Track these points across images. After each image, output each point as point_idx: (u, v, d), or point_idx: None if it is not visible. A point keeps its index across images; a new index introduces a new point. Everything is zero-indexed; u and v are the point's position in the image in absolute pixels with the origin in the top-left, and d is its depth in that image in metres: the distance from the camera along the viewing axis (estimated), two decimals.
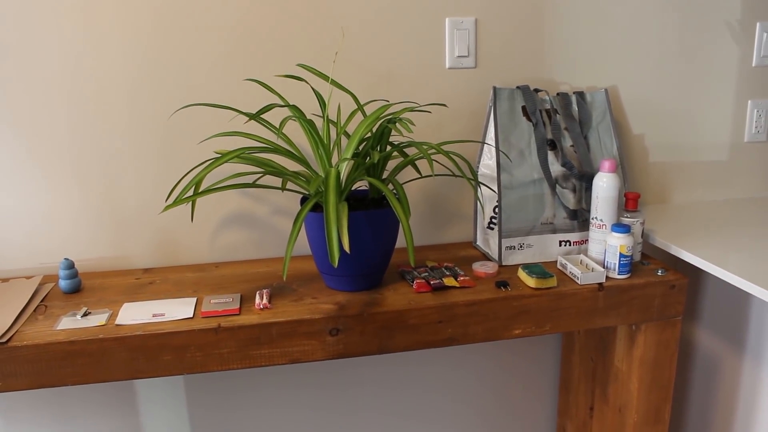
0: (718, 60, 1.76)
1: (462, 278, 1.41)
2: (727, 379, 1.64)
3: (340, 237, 1.15)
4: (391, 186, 1.36)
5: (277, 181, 1.55)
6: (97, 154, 1.48)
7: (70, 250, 1.52)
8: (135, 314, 1.27)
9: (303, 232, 1.61)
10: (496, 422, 1.91)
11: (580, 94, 1.59)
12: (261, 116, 1.32)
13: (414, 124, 1.32)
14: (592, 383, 1.70)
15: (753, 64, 1.79)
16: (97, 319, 1.25)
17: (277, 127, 1.39)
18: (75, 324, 1.23)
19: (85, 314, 1.27)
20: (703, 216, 1.71)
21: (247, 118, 1.33)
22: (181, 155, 1.52)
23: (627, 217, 1.46)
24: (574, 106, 1.58)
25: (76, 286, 1.40)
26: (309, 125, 1.31)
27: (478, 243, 1.65)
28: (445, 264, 1.51)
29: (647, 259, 1.53)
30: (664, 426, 1.54)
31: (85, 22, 1.40)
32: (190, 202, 1.41)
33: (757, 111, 1.82)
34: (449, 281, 1.40)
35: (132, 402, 1.65)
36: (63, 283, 1.39)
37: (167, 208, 1.18)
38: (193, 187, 1.26)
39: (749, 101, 1.81)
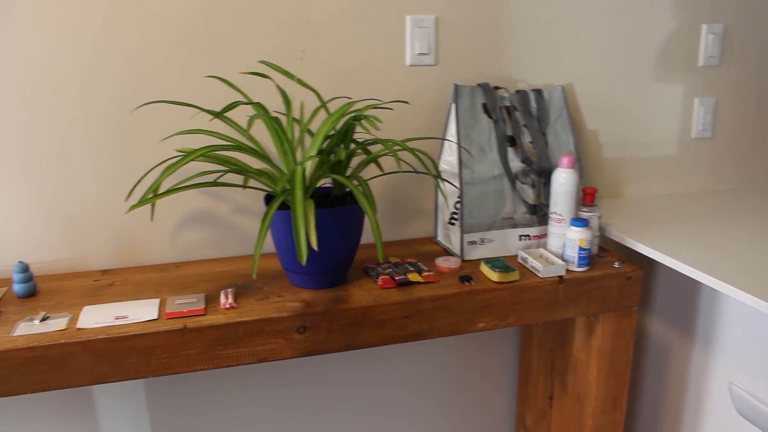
0: (667, 60, 1.82)
1: (426, 273, 1.43)
2: (678, 365, 1.70)
3: (307, 234, 1.14)
4: (356, 182, 1.36)
5: (238, 179, 1.53)
6: (50, 153, 1.43)
7: (22, 252, 1.47)
8: (97, 317, 1.24)
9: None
10: (457, 414, 1.94)
11: (538, 92, 1.62)
12: (224, 114, 1.30)
13: (381, 122, 1.33)
14: (551, 373, 1.75)
15: (699, 64, 1.86)
16: (57, 323, 1.22)
17: (239, 124, 1.38)
18: (33, 329, 1.20)
19: (43, 319, 1.23)
20: (655, 209, 1.77)
21: (211, 116, 1.31)
22: (139, 153, 1.48)
23: (585, 211, 1.50)
24: (533, 104, 1.61)
25: (32, 290, 1.36)
26: (274, 122, 1.30)
27: (439, 238, 1.67)
28: (408, 260, 1.52)
29: (604, 251, 1.57)
30: (621, 413, 1.59)
31: (37, 12, 1.35)
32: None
33: (704, 109, 1.89)
34: (414, 277, 1.41)
35: (90, 410, 1.61)
36: (17, 287, 1.34)
37: (132, 208, 1.15)
38: (157, 186, 1.24)
39: (696, 99, 1.88)
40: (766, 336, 1.43)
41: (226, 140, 1.34)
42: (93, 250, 1.51)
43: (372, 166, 1.62)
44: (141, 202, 1.16)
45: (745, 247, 1.47)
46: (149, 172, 1.37)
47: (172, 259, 1.57)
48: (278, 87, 1.38)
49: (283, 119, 1.49)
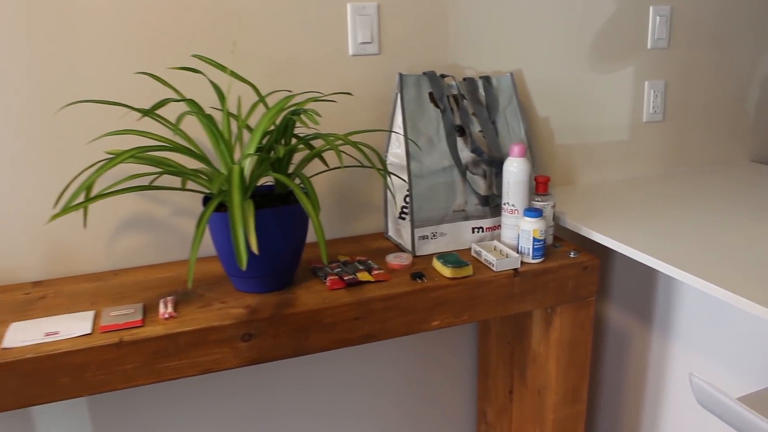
0: (616, 43, 1.80)
1: (376, 272, 1.37)
2: (638, 354, 1.69)
3: (247, 237, 1.08)
4: (298, 180, 1.30)
5: (176, 181, 1.46)
6: None
7: None
8: (25, 335, 1.16)
9: (207, 233, 1.52)
10: (416, 413, 1.90)
11: (487, 79, 1.58)
12: (155, 112, 1.22)
13: (320, 116, 1.27)
14: (510, 367, 1.71)
15: (648, 47, 1.84)
16: None
17: (174, 123, 1.30)
18: None
19: None
20: (609, 196, 1.74)
21: (141, 115, 1.23)
22: (67, 156, 1.39)
23: (538, 200, 1.46)
24: (481, 91, 1.57)
25: None
26: (208, 120, 1.23)
27: (389, 234, 1.62)
28: (358, 258, 1.47)
29: (559, 241, 1.54)
30: (582, 404, 1.56)
31: None
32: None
33: (654, 92, 1.87)
34: (363, 276, 1.35)
35: None
36: None
37: (54, 217, 1.07)
38: (84, 192, 1.16)
39: (646, 82, 1.86)
40: (722, 321, 1.42)
41: (159, 140, 1.26)
42: (22, 260, 1.42)
43: (318, 161, 1.55)
44: (65, 210, 1.08)
45: (700, 231, 1.45)
46: (77, 176, 1.28)
47: (109, 266, 1.48)
48: (211, 82, 1.31)
49: (219, 116, 1.42)
